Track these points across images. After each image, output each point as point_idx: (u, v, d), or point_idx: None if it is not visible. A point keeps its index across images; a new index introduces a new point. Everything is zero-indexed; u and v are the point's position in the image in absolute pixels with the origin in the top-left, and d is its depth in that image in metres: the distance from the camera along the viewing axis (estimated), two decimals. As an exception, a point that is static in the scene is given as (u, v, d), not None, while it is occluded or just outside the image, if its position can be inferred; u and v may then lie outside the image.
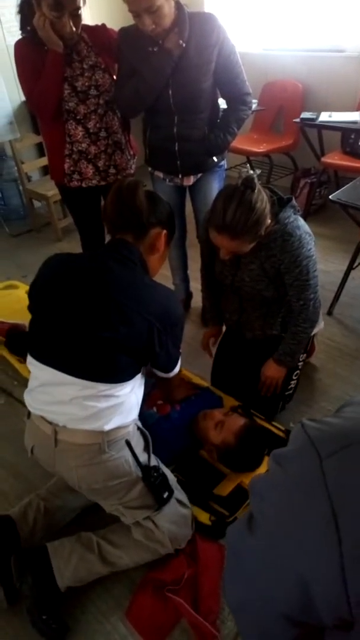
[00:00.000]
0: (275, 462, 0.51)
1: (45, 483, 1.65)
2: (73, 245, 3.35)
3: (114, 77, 1.98)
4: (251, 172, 1.35)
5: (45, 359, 1.29)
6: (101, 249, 1.42)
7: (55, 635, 1.35)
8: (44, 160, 3.59)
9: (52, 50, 1.81)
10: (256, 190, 1.37)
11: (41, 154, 3.75)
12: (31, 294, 1.38)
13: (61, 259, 1.40)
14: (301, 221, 1.56)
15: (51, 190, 3.31)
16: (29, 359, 1.36)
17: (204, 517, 1.55)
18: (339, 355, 2.32)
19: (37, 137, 3.59)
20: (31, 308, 1.38)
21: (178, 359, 1.50)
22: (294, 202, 1.56)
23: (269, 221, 1.46)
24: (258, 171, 1.36)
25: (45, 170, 3.81)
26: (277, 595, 0.48)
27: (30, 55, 1.87)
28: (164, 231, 1.41)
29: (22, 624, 1.39)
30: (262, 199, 1.39)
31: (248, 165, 1.25)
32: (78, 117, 1.97)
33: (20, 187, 3.64)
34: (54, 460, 1.34)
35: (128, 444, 1.33)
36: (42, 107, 1.94)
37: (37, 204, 3.70)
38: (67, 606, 1.43)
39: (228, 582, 0.56)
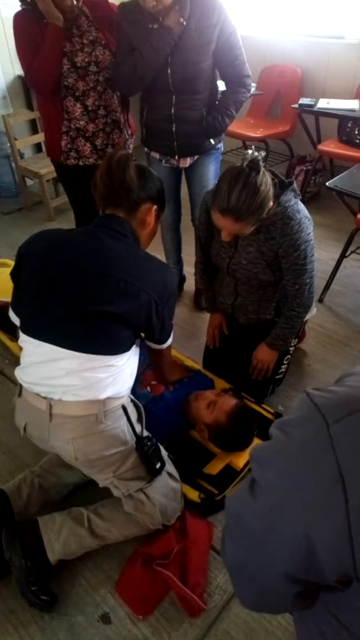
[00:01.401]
0: (279, 429, 0.53)
1: (37, 460, 1.66)
2: (65, 225, 3.32)
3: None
4: (256, 153, 1.35)
5: (43, 336, 1.29)
6: (92, 224, 1.41)
7: (44, 606, 1.38)
8: (38, 137, 3.55)
9: (52, 24, 1.77)
10: (261, 173, 1.37)
11: (34, 130, 3.69)
12: (19, 271, 1.36)
13: (53, 235, 1.39)
14: (301, 205, 1.57)
15: (44, 168, 3.27)
16: (23, 336, 1.35)
17: (194, 495, 1.59)
18: (329, 341, 2.35)
19: (30, 112, 3.53)
20: (21, 285, 1.36)
21: (171, 331, 1.51)
22: (294, 185, 1.56)
23: (271, 204, 1.46)
24: (263, 153, 1.36)
25: (38, 148, 3.75)
26: (281, 555, 0.51)
27: (29, 28, 1.83)
28: (154, 206, 1.42)
29: (12, 595, 1.42)
30: (266, 181, 1.39)
31: (252, 147, 1.24)
32: (77, 94, 1.94)
33: (13, 164, 3.58)
34: (48, 435, 1.35)
35: (124, 409, 1.35)
36: (40, 83, 1.91)
37: (29, 182, 3.65)
38: (57, 579, 1.46)
39: (229, 545, 0.58)
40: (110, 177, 1.33)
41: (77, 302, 1.26)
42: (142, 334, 1.43)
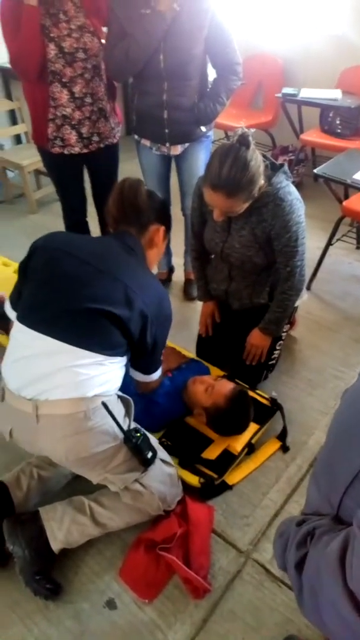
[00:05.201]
0: None
1: (31, 453, 1.64)
2: (48, 218, 3.28)
3: (102, 41, 1.93)
4: (246, 130, 1.38)
5: (43, 328, 1.28)
6: (107, 235, 1.50)
7: (49, 595, 1.38)
8: (18, 128, 3.48)
9: (26, 4, 1.75)
10: (251, 148, 1.40)
11: (14, 121, 3.62)
12: (29, 262, 1.38)
13: (71, 236, 1.49)
14: (292, 187, 1.59)
15: (26, 159, 3.21)
16: (20, 327, 1.34)
17: (194, 480, 1.60)
18: (317, 328, 2.40)
19: (10, 102, 3.46)
20: (29, 275, 1.37)
21: (160, 364, 1.56)
22: (285, 168, 1.59)
23: (262, 182, 1.48)
24: (252, 130, 1.38)
25: (18, 139, 3.68)
26: None
27: (10, 11, 1.81)
28: (162, 227, 1.49)
29: (16, 586, 1.41)
30: (256, 157, 1.42)
31: (242, 122, 1.27)
32: (64, 80, 1.91)
33: (-7, 156, 3.50)
34: (36, 437, 1.33)
35: (105, 405, 1.32)
36: (22, 66, 1.88)
37: (10, 174, 3.57)
38: (60, 568, 1.45)
39: None
40: (122, 199, 1.42)
41: (84, 298, 1.28)
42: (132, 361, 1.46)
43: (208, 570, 1.45)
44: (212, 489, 1.61)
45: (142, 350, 1.41)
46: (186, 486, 1.58)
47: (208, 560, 1.47)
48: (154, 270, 1.96)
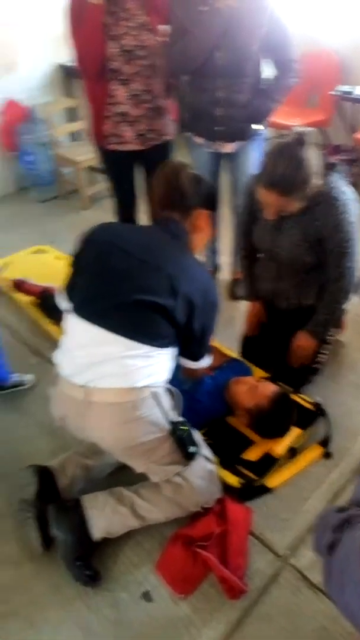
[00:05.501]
0: None
1: (79, 441, 1.69)
2: (99, 214, 3.34)
3: (159, 39, 1.94)
4: (302, 129, 1.36)
5: (96, 319, 1.33)
6: (152, 223, 1.51)
7: (88, 581, 1.42)
8: (74, 125, 3.58)
9: (89, 3, 1.80)
10: (306, 147, 1.38)
11: (71, 118, 3.72)
12: (82, 255, 1.42)
13: (119, 228, 1.55)
14: (347, 187, 1.55)
15: (81, 156, 3.29)
16: (74, 318, 1.39)
17: (233, 480, 1.60)
18: (367, 331, 2.32)
19: (69, 100, 3.56)
20: (81, 267, 1.42)
21: (208, 350, 1.56)
22: (340, 167, 1.55)
23: (316, 181, 1.46)
24: (310, 129, 1.36)
25: (74, 136, 3.78)
26: None
27: (76, 8, 1.87)
28: (207, 211, 1.49)
29: (57, 571, 1.46)
30: (312, 156, 1.40)
31: (297, 120, 1.27)
32: (122, 78, 1.95)
33: (50, 152, 3.60)
34: (86, 423, 1.38)
35: (155, 396, 1.36)
36: (83, 62, 1.95)
37: (64, 170, 3.67)
38: (99, 556, 1.48)
39: None
40: (166, 184, 1.44)
41: (131, 291, 1.31)
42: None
43: (245, 571, 1.44)
44: (251, 491, 1.60)
45: (190, 338, 1.43)
46: (226, 487, 1.58)
47: (245, 561, 1.46)
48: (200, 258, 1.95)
